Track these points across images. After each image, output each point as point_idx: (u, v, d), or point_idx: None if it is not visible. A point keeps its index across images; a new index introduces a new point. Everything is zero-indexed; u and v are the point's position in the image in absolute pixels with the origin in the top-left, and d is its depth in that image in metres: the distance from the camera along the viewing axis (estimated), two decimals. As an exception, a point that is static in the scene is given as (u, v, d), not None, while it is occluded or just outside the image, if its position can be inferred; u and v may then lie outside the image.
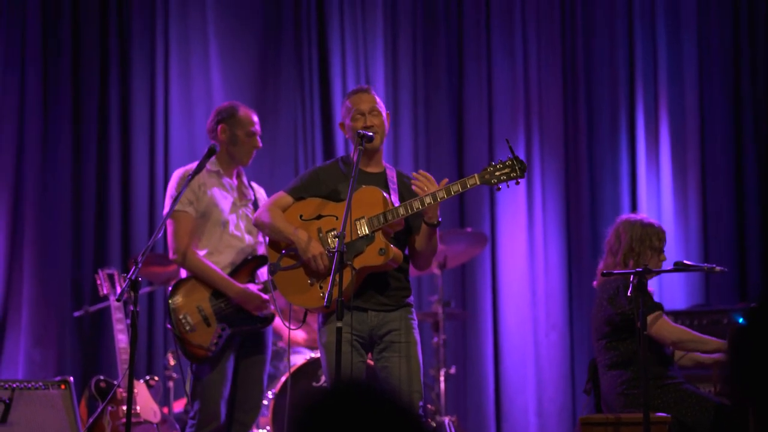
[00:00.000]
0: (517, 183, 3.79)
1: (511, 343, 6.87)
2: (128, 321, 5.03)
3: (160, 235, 4.03)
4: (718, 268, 4.13)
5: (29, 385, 4.35)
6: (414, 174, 3.90)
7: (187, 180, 4.11)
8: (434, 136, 7.15)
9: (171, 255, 4.39)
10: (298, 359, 5.51)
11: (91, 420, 4.92)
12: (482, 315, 6.89)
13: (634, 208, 6.85)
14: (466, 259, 6.55)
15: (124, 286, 3.75)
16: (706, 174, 6.92)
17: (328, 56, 7.05)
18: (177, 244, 4.34)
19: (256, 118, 4.57)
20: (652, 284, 4.58)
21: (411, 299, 3.99)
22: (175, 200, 4.10)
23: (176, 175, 4.44)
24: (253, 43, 7.04)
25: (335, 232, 3.86)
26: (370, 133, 3.89)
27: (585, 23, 7.14)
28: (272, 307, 4.39)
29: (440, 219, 3.86)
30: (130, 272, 3.73)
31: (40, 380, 4.42)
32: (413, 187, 3.83)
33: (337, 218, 3.88)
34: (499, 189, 3.82)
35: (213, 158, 4.36)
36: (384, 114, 4.00)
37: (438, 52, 7.18)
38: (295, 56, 7.05)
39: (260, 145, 4.56)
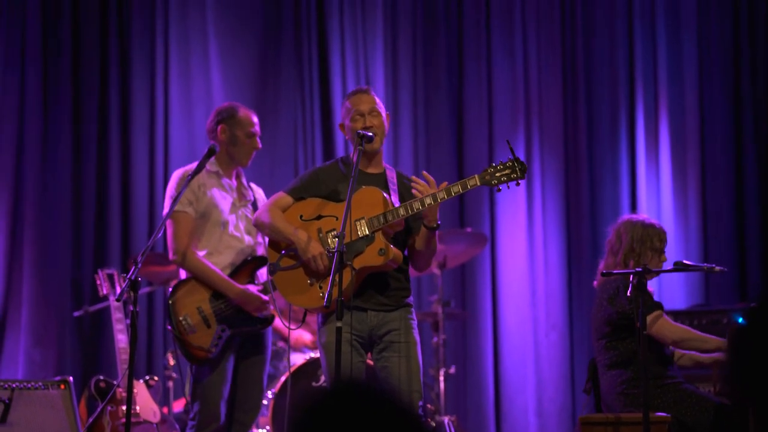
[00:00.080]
0: (518, 184, 3.79)
1: (510, 343, 6.87)
2: (128, 321, 5.03)
3: (159, 235, 4.03)
4: (717, 268, 4.14)
5: (29, 385, 4.35)
6: (413, 177, 3.90)
7: (187, 180, 4.11)
8: (434, 137, 7.15)
9: (171, 255, 4.38)
10: (298, 359, 5.51)
11: (90, 420, 4.92)
12: (482, 315, 6.89)
13: (633, 207, 6.85)
14: (465, 259, 6.55)
15: (123, 286, 3.75)
16: (706, 174, 6.93)
17: (328, 56, 7.05)
18: (177, 245, 4.34)
19: (256, 119, 4.56)
20: (652, 284, 4.58)
21: (411, 299, 3.99)
22: (175, 200, 4.10)
23: (176, 176, 4.44)
24: (253, 43, 7.04)
25: (335, 233, 3.85)
26: (370, 134, 3.89)
27: (585, 23, 7.14)
28: (271, 308, 4.39)
29: (439, 222, 3.87)
30: (130, 272, 3.73)
31: (40, 380, 4.42)
32: (413, 191, 3.83)
33: (337, 218, 3.88)
34: (499, 190, 3.82)
35: (212, 159, 4.36)
36: (384, 114, 4.00)
37: (438, 52, 7.18)
38: (295, 56, 7.05)
39: (260, 146, 4.56)
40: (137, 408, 5.02)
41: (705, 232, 6.88)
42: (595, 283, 4.51)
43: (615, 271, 4.22)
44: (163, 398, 5.70)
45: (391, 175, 4.02)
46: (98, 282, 5.42)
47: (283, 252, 3.94)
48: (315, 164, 6.54)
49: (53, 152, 6.56)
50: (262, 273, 4.46)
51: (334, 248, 3.74)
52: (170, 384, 5.73)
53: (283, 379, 5.40)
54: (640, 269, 3.99)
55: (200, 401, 4.31)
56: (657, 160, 6.96)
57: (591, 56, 7.13)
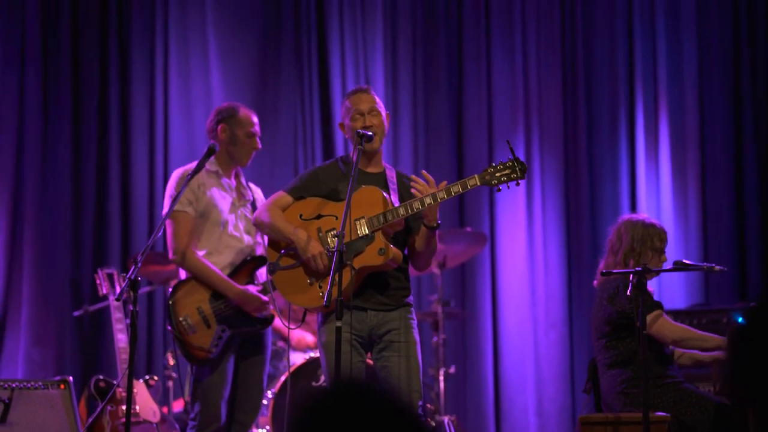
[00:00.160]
0: (518, 184, 3.79)
1: (510, 342, 6.87)
2: (128, 320, 5.03)
3: (159, 234, 4.03)
4: (717, 268, 4.14)
5: (29, 385, 4.34)
6: (413, 177, 3.90)
7: (187, 180, 4.11)
8: (434, 137, 7.15)
9: (170, 255, 4.38)
10: (298, 359, 5.51)
11: (90, 420, 4.92)
12: (482, 314, 6.89)
13: (633, 207, 6.85)
14: (465, 258, 6.55)
15: (123, 285, 3.75)
16: (706, 173, 6.93)
17: (328, 57, 7.05)
18: (176, 244, 4.34)
19: (256, 119, 4.56)
20: (652, 284, 4.58)
21: (410, 299, 3.99)
22: (175, 200, 4.10)
23: (175, 175, 4.44)
24: (253, 43, 7.04)
25: (335, 232, 3.85)
26: (370, 133, 3.89)
27: (585, 23, 7.14)
28: (271, 308, 4.39)
29: (440, 221, 3.87)
30: (130, 272, 3.73)
31: (40, 380, 4.42)
32: (412, 190, 3.83)
33: (336, 218, 3.88)
34: (499, 190, 3.82)
35: (212, 158, 4.36)
36: (383, 114, 4.00)
37: (438, 52, 7.18)
38: (295, 57, 7.05)
39: (260, 146, 4.56)
40: (137, 408, 5.02)
41: (705, 231, 6.88)
42: (595, 282, 4.51)
43: (615, 271, 4.22)
44: (162, 398, 5.70)
45: (391, 175, 4.02)
46: (98, 281, 5.42)
47: (282, 251, 3.94)
48: (315, 164, 6.54)
49: (53, 152, 6.56)
50: (262, 273, 4.46)
51: (333, 248, 3.73)
52: (170, 384, 5.73)
53: (282, 378, 5.40)
54: (640, 269, 3.99)
55: (200, 402, 4.31)
56: (657, 160, 6.96)
57: (591, 56, 7.13)
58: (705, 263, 4.27)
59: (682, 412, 4.14)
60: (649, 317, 4.17)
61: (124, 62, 6.76)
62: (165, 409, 5.58)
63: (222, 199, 4.44)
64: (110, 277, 5.42)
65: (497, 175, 3.78)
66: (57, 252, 6.49)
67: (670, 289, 6.71)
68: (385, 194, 3.88)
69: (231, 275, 4.36)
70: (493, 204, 7.00)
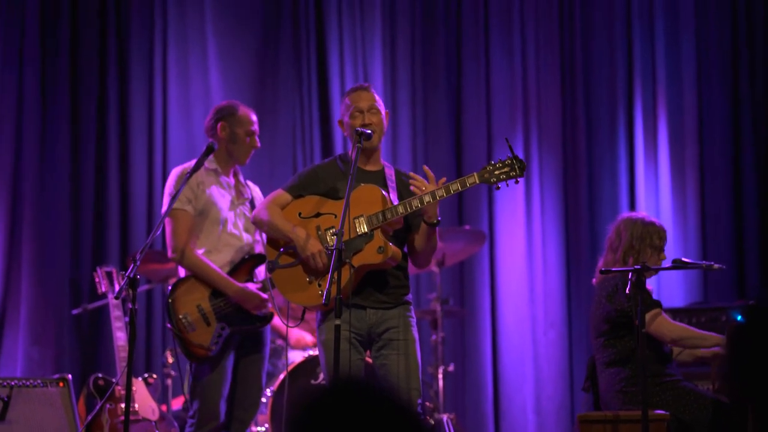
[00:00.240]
0: (516, 182, 3.79)
1: (509, 340, 6.87)
2: (126, 319, 5.02)
3: (158, 233, 4.03)
4: (716, 266, 4.13)
5: (28, 383, 4.34)
6: (411, 174, 3.90)
7: (186, 178, 4.10)
8: (433, 136, 7.15)
9: (169, 253, 4.37)
10: (297, 357, 5.51)
11: (89, 418, 4.92)
12: (481, 313, 6.89)
13: (632, 206, 6.85)
14: (464, 257, 6.55)
15: (122, 283, 3.75)
16: (705, 173, 6.93)
17: (327, 56, 7.05)
18: (175, 243, 4.33)
19: (254, 118, 4.56)
20: (651, 283, 4.59)
21: (410, 297, 3.99)
22: (174, 198, 4.09)
23: (174, 173, 4.43)
24: (252, 42, 7.04)
25: (334, 230, 3.85)
26: (369, 131, 3.89)
27: (583, 23, 7.14)
28: (270, 306, 4.39)
29: (440, 218, 3.86)
30: (129, 270, 3.72)
31: (39, 378, 4.42)
32: (411, 188, 3.82)
33: (335, 216, 3.88)
34: (498, 188, 3.82)
35: (211, 156, 4.36)
36: (383, 112, 4.00)
37: (436, 51, 7.18)
38: (294, 56, 7.05)
39: (259, 144, 4.55)
40: (136, 406, 5.02)
41: (703, 230, 6.88)
42: (593, 280, 4.51)
43: (614, 269, 4.22)
44: (161, 396, 5.69)
45: (390, 173, 4.02)
46: (97, 280, 5.42)
47: (281, 250, 3.94)
48: (313, 163, 6.54)
49: (51, 152, 6.56)
50: (261, 271, 4.46)
51: (332, 246, 3.73)
52: (169, 382, 5.73)
53: (282, 376, 5.39)
54: (639, 267, 3.99)
55: (199, 400, 4.30)
56: (656, 160, 6.96)
57: (590, 56, 7.13)
58: (704, 261, 4.27)
59: (680, 411, 4.14)
60: (647, 316, 4.17)
61: (122, 62, 6.76)
62: (164, 407, 5.58)
63: (221, 197, 4.44)
64: (109, 275, 5.41)
65: (496, 173, 3.78)
66: (56, 251, 6.48)
67: (669, 288, 6.72)
68: (384, 192, 3.88)
69: (230, 273, 4.36)
70: (492, 202, 7.00)
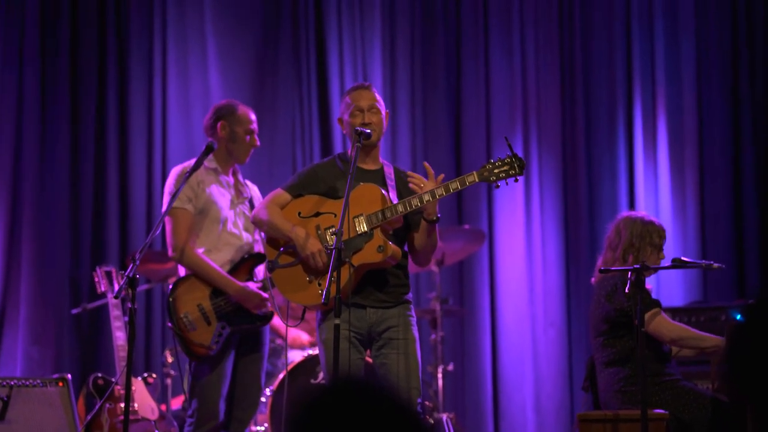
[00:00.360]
0: (516, 180, 3.79)
1: (509, 340, 6.87)
2: (126, 318, 5.02)
3: (158, 232, 4.02)
4: (716, 265, 4.13)
5: (27, 383, 4.34)
6: (409, 173, 3.90)
7: (185, 177, 4.10)
8: (432, 136, 7.15)
9: (169, 252, 4.37)
10: (296, 356, 5.51)
11: (89, 417, 4.92)
12: (480, 312, 6.89)
13: (632, 206, 6.85)
14: (464, 256, 6.55)
15: (122, 283, 3.75)
16: (704, 173, 6.93)
17: (326, 55, 7.05)
18: (175, 241, 4.33)
19: (254, 117, 4.56)
20: (650, 282, 4.59)
21: (410, 296, 3.99)
22: (173, 197, 4.09)
23: (174, 172, 4.43)
24: (251, 42, 7.04)
25: (333, 229, 3.85)
26: (368, 131, 3.89)
27: (583, 22, 7.13)
28: (269, 305, 4.39)
29: (439, 216, 3.86)
30: (128, 269, 3.72)
31: (38, 378, 4.42)
32: (410, 185, 3.82)
33: (335, 215, 3.88)
34: (498, 186, 3.82)
35: (210, 156, 4.36)
36: (383, 112, 4.00)
37: (436, 51, 7.18)
38: (293, 55, 7.05)
39: (258, 143, 4.55)
40: (135, 405, 5.02)
41: (703, 230, 6.88)
42: (592, 279, 4.50)
43: (613, 268, 4.22)
44: (161, 395, 5.69)
45: (389, 171, 4.02)
46: (96, 279, 5.42)
47: (281, 249, 3.94)
48: (313, 163, 6.53)
49: (51, 152, 6.56)
50: (260, 270, 4.46)
51: (332, 245, 3.73)
52: (168, 381, 5.73)
53: (281, 376, 5.39)
54: (638, 266, 3.99)
55: (198, 399, 4.30)
56: (655, 160, 6.97)
57: (589, 55, 7.13)
58: (703, 260, 4.27)
59: (680, 410, 4.14)
60: (646, 315, 4.17)
61: (122, 62, 6.76)
62: (163, 407, 5.57)
63: (221, 196, 4.44)
64: (108, 275, 5.41)
65: (495, 171, 3.78)
66: (55, 250, 6.48)
67: (669, 287, 6.72)
68: (383, 191, 3.88)
69: (230, 272, 4.36)
70: (492, 202, 7.00)
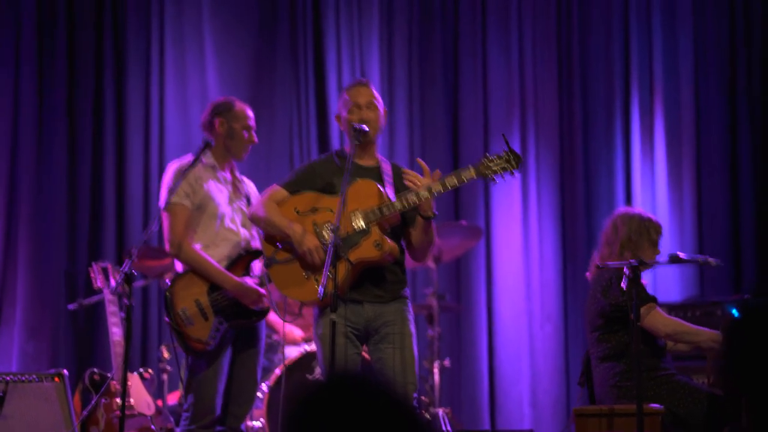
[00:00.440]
0: (512, 174, 3.79)
1: (505, 335, 6.88)
2: (122, 314, 5.02)
3: (155, 228, 4.02)
4: (712, 260, 4.14)
5: (23, 378, 4.34)
6: (404, 170, 3.90)
7: (183, 173, 4.09)
8: (429, 132, 7.15)
9: (167, 247, 4.37)
10: (293, 352, 5.52)
11: (85, 412, 4.92)
12: (477, 308, 6.90)
13: (629, 201, 6.86)
14: (460, 252, 6.56)
15: (118, 279, 3.75)
16: (701, 168, 6.94)
17: (324, 53, 7.04)
18: (173, 237, 4.32)
19: (251, 113, 4.56)
20: (646, 277, 4.59)
21: (407, 292, 3.99)
22: (171, 192, 4.09)
23: (171, 168, 4.43)
24: (249, 39, 7.03)
25: (331, 226, 3.85)
26: (365, 128, 3.89)
27: (581, 18, 7.13)
28: (266, 301, 4.39)
29: (436, 212, 3.86)
30: (125, 265, 3.72)
31: (34, 373, 4.42)
32: (405, 182, 3.82)
33: (332, 211, 3.88)
34: (495, 182, 3.82)
35: (208, 152, 4.35)
36: (381, 109, 4.00)
37: (433, 48, 7.17)
38: (291, 53, 7.04)
39: (256, 140, 4.55)
40: (131, 400, 5.02)
41: (700, 226, 6.89)
42: (588, 274, 4.51)
43: (610, 263, 4.23)
44: (157, 391, 5.70)
45: (386, 167, 4.02)
46: (92, 275, 5.42)
47: (278, 245, 3.94)
48: (310, 160, 6.54)
49: (48, 152, 6.56)
50: (257, 266, 4.45)
51: (329, 241, 3.73)
52: (164, 376, 5.73)
53: (278, 371, 5.40)
54: (634, 261, 4.00)
55: (195, 394, 4.30)
56: (652, 155, 6.97)
57: (586, 51, 7.13)
58: (700, 256, 4.27)
59: (675, 405, 4.15)
60: (641, 310, 4.17)
61: (119, 60, 6.75)
62: (159, 402, 5.58)
63: (219, 192, 4.43)
64: (105, 270, 5.41)
65: (492, 166, 3.78)
66: (52, 246, 6.48)
67: (665, 283, 6.72)
68: (380, 187, 3.88)
69: (227, 268, 4.36)
70: (489, 197, 7.01)
